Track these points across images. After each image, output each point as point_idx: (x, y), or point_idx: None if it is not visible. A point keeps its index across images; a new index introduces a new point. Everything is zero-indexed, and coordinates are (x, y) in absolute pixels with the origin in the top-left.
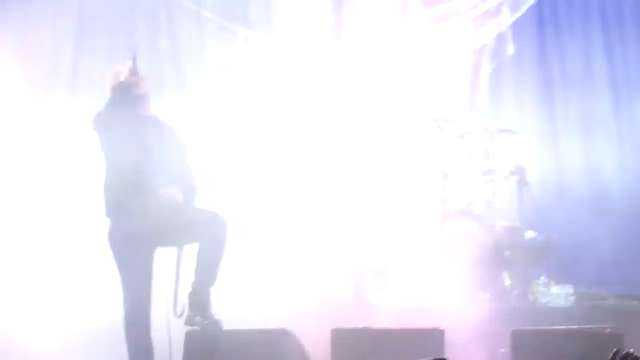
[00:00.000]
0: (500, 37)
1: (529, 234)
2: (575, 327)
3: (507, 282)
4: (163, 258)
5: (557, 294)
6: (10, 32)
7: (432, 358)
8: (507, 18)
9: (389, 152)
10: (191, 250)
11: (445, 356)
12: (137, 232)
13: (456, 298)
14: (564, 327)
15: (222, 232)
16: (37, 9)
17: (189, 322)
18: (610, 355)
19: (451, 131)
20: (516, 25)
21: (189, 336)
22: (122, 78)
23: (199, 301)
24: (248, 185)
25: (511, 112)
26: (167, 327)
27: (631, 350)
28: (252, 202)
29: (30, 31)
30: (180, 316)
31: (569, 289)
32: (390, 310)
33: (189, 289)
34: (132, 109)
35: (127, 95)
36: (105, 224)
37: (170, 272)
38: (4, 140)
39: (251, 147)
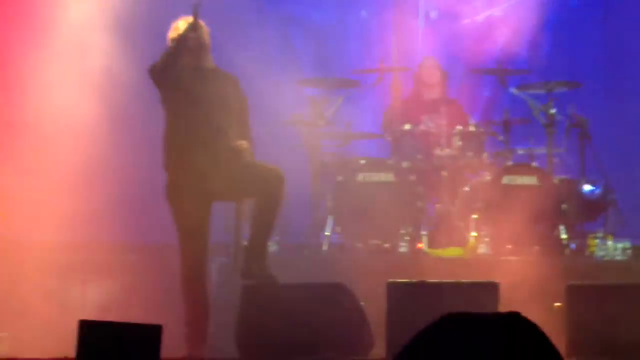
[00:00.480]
0: None
1: (587, 187)
2: (633, 281)
3: (564, 235)
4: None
5: (614, 248)
6: None
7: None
8: None
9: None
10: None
11: (499, 310)
12: (196, 185)
13: (511, 251)
14: (620, 281)
15: (279, 186)
16: None
17: (245, 275)
18: None
19: (514, 83)
20: None
21: (245, 290)
22: (181, 31)
23: (255, 255)
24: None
25: (574, 64)
26: (225, 280)
27: None
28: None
29: None
30: (240, 269)
31: (626, 243)
32: (446, 263)
33: (245, 243)
34: (190, 61)
35: (185, 47)
36: (163, 177)
37: (230, 226)
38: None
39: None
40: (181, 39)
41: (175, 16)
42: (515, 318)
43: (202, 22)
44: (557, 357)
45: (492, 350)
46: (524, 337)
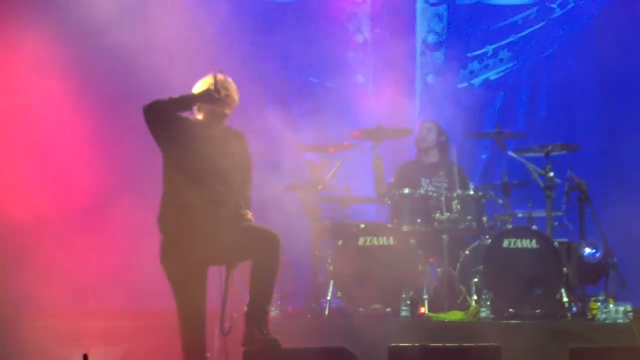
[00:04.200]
0: (559, 53)
1: (587, 250)
2: (635, 344)
3: (565, 299)
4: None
5: (616, 311)
6: None
7: None
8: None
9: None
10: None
11: None
12: (193, 249)
13: (513, 315)
14: (623, 344)
15: (277, 248)
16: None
17: (247, 340)
18: None
19: (512, 146)
20: (576, 40)
21: (247, 355)
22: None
23: (256, 319)
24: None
25: (573, 127)
26: (225, 345)
27: None
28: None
29: None
30: (227, 334)
31: (627, 306)
32: (448, 327)
33: (245, 308)
34: (204, 113)
35: (208, 99)
36: (159, 237)
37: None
38: None
39: None
40: (206, 92)
41: None
42: None
43: (225, 90)
44: None
45: None
46: None
